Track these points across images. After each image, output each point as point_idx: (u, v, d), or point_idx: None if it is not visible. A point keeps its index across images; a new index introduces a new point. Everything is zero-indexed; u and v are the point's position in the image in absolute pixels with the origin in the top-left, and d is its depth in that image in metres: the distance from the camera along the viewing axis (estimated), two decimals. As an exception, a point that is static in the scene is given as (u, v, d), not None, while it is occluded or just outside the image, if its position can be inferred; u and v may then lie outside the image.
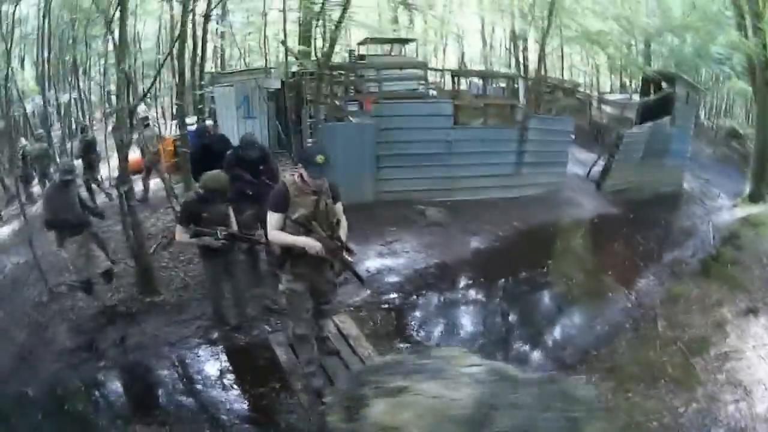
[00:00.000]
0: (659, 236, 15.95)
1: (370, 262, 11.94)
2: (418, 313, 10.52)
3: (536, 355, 9.66)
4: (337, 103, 16.50)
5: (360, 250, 11.19)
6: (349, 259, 6.53)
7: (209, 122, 16.91)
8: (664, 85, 21.55)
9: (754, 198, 19.28)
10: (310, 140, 15.83)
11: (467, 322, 10.67)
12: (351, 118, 15.95)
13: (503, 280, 12.29)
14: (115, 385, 8.25)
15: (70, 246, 9.42)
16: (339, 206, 6.69)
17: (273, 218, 6.28)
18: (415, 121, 15.36)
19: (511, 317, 11.03)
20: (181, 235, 8.28)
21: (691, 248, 15.09)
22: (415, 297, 10.98)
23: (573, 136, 18.98)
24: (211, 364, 8.51)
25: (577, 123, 20.27)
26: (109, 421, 7.36)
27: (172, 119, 21.71)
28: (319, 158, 6.06)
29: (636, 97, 22.90)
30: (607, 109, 26.01)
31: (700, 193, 21.68)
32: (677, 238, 16.17)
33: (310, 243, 6.15)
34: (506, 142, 16.59)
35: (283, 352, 7.87)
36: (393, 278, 11.42)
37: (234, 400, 7.69)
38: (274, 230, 6.29)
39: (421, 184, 15.49)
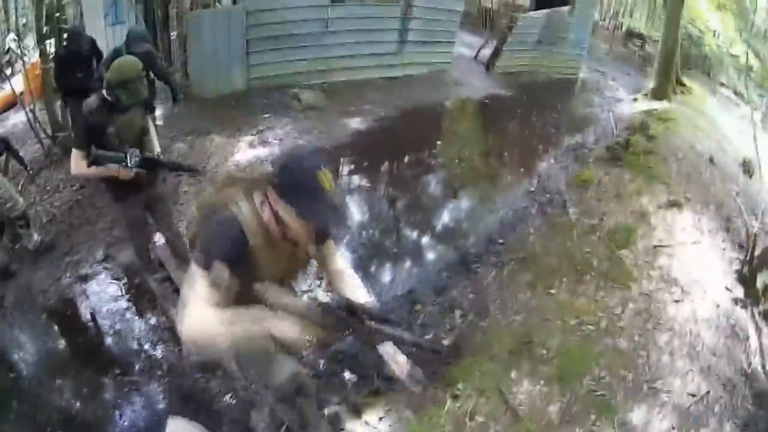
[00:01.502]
0: (556, 120, 15.55)
1: (241, 154, 10.61)
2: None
3: (436, 244, 8.80)
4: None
5: (229, 143, 10.67)
6: (388, 329, 3.33)
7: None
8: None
9: (657, 95, 18.87)
10: (173, 33, 14.24)
11: (354, 212, 9.46)
12: (219, 5, 14.63)
13: (389, 163, 11.33)
14: (3, 356, 6.91)
15: None
16: (331, 248, 3.64)
17: (205, 284, 2.90)
18: (289, 0, 13.83)
19: (402, 204, 9.96)
20: (78, 162, 5.51)
21: (593, 135, 14.49)
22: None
23: (461, 17, 18.11)
24: (85, 303, 7.47)
25: (466, 8, 19.59)
26: (5, 398, 6.18)
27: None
28: (325, 178, 2.87)
29: None
30: None
31: (597, 84, 21.47)
32: (576, 124, 15.65)
33: (295, 335, 2.93)
34: (388, 19, 15.60)
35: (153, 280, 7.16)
36: (266, 169, 9.80)
37: (113, 341, 6.86)
38: (209, 306, 2.85)
39: (296, 66, 14.30)
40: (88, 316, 7.16)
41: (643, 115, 15.89)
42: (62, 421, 5.65)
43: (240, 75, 13.68)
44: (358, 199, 9.82)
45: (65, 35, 10.79)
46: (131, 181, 5.68)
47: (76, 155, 5.51)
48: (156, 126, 6.34)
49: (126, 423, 5.66)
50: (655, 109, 16.76)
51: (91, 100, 5.52)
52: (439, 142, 12.48)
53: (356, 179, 10.54)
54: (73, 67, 9.71)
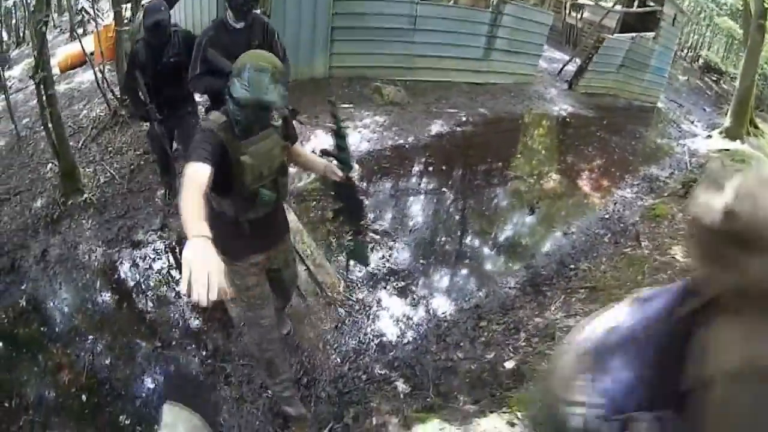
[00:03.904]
0: (633, 148, 15.20)
1: (317, 141, 10.42)
2: (368, 201, 9.04)
3: (507, 261, 8.48)
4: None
5: (306, 129, 10.43)
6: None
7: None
8: (650, 2, 21.29)
9: (731, 134, 18.57)
10: (258, 11, 13.57)
11: (424, 214, 9.23)
12: None
13: (466, 169, 11.09)
14: (39, 311, 6.91)
15: None
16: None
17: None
18: None
19: (476, 214, 9.70)
20: (193, 181, 3.13)
21: (668, 167, 14.23)
22: (366, 182, 9.63)
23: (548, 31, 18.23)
24: (134, 270, 7.35)
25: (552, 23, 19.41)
26: (33, 353, 6.22)
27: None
28: None
29: (617, 8, 21.85)
30: (585, 13, 25.32)
31: (674, 115, 21.25)
32: (652, 154, 15.40)
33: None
34: (478, 24, 15.46)
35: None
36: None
37: (160, 314, 6.61)
38: None
39: (380, 60, 14.14)
40: (135, 283, 7.10)
41: (718, 154, 15.84)
42: (89, 381, 5.64)
43: (321, 61, 13.50)
44: (431, 203, 9.66)
45: (145, 22, 6.82)
46: (260, 231, 4.10)
47: (195, 170, 3.18)
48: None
49: (154, 395, 5.57)
50: (728, 149, 16.64)
51: (215, 117, 3.65)
52: (518, 155, 12.32)
53: (432, 181, 10.40)
54: (156, 76, 6.71)
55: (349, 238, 4.60)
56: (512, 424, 4.96)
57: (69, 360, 5.88)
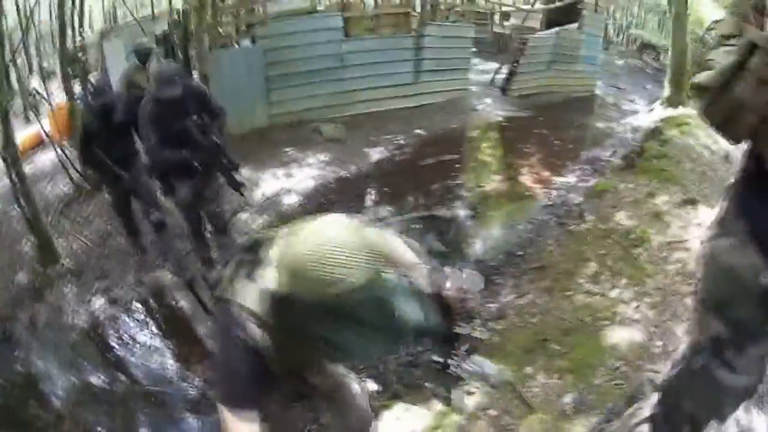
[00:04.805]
0: (575, 137, 15.57)
1: (266, 186, 11.04)
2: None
3: (453, 261, 8.47)
4: (221, 30, 15.06)
5: (254, 176, 10.95)
6: None
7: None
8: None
9: (671, 102, 18.82)
10: (195, 73, 13.99)
11: None
12: (237, 45, 15.17)
13: (409, 190, 11.31)
14: (32, 376, 6.98)
15: None
16: None
17: None
18: (303, 37, 14.44)
19: (425, 225, 9.92)
20: None
21: (610, 147, 14.54)
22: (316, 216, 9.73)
23: (474, 44, 18.62)
24: (115, 326, 7.59)
25: (480, 36, 20.34)
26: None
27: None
28: None
29: (537, 6, 22.50)
30: (511, 20, 25.87)
31: (615, 99, 21.55)
32: (595, 139, 15.77)
33: None
34: (402, 51, 16.01)
35: (184, 298, 7.42)
36: (292, 199, 10.67)
37: (147, 363, 6.84)
38: None
39: (316, 101, 14.68)
40: (117, 340, 7.30)
41: (658, 122, 16.20)
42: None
43: (261, 111, 14.09)
44: (375, 226, 9.77)
45: (93, 86, 8.65)
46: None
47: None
48: None
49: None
50: (670, 116, 16.91)
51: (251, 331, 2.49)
52: (458, 166, 12.58)
53: (377, 205, 10.74)
54: (107, 130, 7.13)
55: None
56: (469, 393, 5.30)
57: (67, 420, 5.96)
